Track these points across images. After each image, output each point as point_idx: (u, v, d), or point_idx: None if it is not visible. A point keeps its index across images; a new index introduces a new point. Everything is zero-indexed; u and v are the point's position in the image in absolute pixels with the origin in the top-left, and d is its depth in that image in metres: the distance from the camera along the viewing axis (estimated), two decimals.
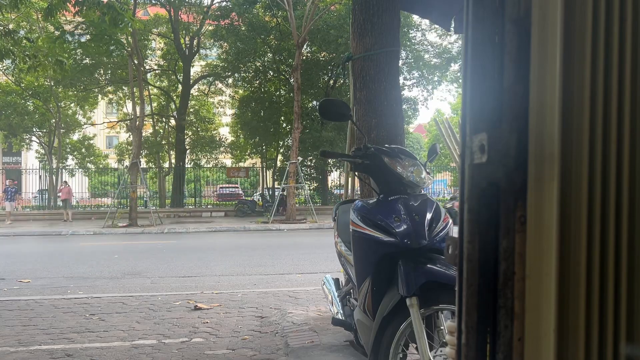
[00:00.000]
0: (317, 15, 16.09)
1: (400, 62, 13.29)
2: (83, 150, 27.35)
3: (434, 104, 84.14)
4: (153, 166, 26.33)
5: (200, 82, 24.75)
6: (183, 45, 22.04)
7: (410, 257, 2.08)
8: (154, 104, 25.00)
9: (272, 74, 21.81)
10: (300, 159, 17.81)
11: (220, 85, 23.99)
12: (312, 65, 20.04)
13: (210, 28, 21.25)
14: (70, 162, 27.57)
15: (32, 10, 17.13)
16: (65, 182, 20.36)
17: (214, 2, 21.63)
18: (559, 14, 0.71)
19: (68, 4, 7.52)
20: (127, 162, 23.75)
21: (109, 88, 23.34)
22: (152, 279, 6.14)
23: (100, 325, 3.93)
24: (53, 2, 7.42)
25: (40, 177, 23.86)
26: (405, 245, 2.08)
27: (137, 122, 15.88)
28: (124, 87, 22.75)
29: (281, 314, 4.14)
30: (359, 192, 4.04)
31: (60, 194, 18.88)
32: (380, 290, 2.17)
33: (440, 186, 25.54)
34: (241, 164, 26.83)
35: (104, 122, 28.87)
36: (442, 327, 2.09)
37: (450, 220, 2.24)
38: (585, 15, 0.71)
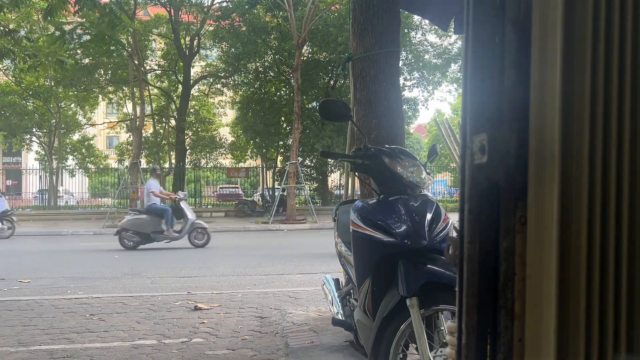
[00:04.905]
0: (317, 16, 16.09)
1: (401, 62, 13.29)
2: (83, 150, 27.36)
3: (434, 105, 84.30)
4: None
5: (200, 82, 24.75)
6: (183, 46, 22.04)
7: (410, 258, 2.08)
8: (154, 105, 25.00)
9: (272, 74, 21.81)
10: (300, 159, 17.81)
11: (220, 85, 24.00)
12: (313, 66, 20.04)
13: (211, 29, 21.26)
14: (71, 162, 27.58)
15: (32, 10, 17.15)
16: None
17: (214, 3, 21.64)
18: (559, 14, 0.71)
19: (68, 5, 7.53)
20: (127, 163, 23.75)
21: (109, 88, 23.34)
22: (152, 279, 6.14)
23: (101, 326, 3.93)
24: (53, 2, 7.42)
25: (40, 177, 23.86)
26: (405, 246, 2.08)
27: (137, 123, 15.90)
28: (124, 88, 22.75)
29: (281, 314, 4.14)
30: (359, 193, 4.04)
31: (139, 194, 17.68)
32: (380, 290, 2.17)
33: (441, 186, 25.53)
34: (241, 164, 26.85)
35: (104, 123, 28.89)
36: (442, 328, 2.09)
37: (451, 221, 2.24)
38: (586, 16, 0.71)
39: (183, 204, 9.68)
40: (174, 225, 9.53)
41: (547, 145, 0.72)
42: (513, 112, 0.74)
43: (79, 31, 14.32)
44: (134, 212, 9.67)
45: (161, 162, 26.49)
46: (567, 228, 0.71)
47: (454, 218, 1.69)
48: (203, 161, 25.95)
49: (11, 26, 12.32)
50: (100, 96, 24.21)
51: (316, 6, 15.63)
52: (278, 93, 22.44)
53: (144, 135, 21.41)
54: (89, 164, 27.26)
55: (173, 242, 9.58)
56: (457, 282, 0.82)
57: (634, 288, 0.70)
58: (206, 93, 25.66)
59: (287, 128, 21.50)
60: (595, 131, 0.71)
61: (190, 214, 9.59)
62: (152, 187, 9.63)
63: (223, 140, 25.64)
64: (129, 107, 22.34)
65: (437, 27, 13.60)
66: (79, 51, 17.42)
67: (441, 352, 2.03)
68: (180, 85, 23.26)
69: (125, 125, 24.47)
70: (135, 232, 9.29)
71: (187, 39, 22.27)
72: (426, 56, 21.26)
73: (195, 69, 24.81)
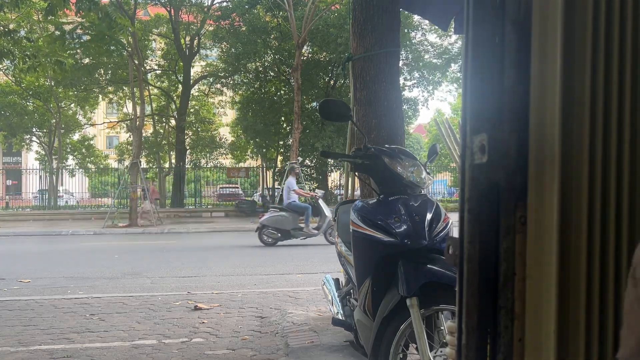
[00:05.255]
0: (317, 16, 16.10)
1: (401, 62, 13.27)
2: (83, 150, 27.37)
3: (434, 104, 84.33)
4: (153, 166, 26.35)
5: (200, 82, 24.76)
6: (183, 46, 22.04)
7: (410, 258, 2.08)
8: (154, 104, 25.01)
9: (272, 74, 21.82)
10: (300, 159, 17.79)
11: (220, 85, 24.02)
12: (313, 66, 20.04)
13: (211, 29, 21.26)
14: (71, 162, 27.59)
15: (32, 10, 17.15)
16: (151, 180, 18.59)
17: (214, 3, 21.64)
18: (560, 14, 0.71)
19: (70, 4, 7.55)
20: (127, 162, 23.75)
21: (109, 88, 23.34)
22: (152, 279, 6.14)
23: (101, 326, 3.93)
24: (54, 1, 7.44)
25: (40, 177, 23.85)
26: (405, 246, 2.08)
27: (137, 122, 15.88)
28: (124, 87, 22.75)
29: (281, 314, 4.14)
30: (359, 193, 4.04)
31: (150, 194, 16.67)
32: (380, 290, 2.17)
33: (441, 186, 25.53)
34: (241, 164, 26.86)
35: (104, 122, 28.90)
36: (442, 328, 2.09)
37: (451, 221, 2.24)
38: (586, 16, 0.71)
39: (321, 202, 9.90)
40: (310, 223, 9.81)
41: (547, 145, 0.72)
42: (513, 112, 0.74)
43: (79, 31, 14.33)
44: (274, 209, 9.86)
45: (161, 162, 26.50)
46: (567, 228, 0.71)
47: (454, 218, 1.70)
48: (203, 161, 25.95)
49: (11, 26, 12.32)
50: (100, 96, 24.21)
51: (316, 6, 15.63)
52: (278, 93, 22.44)
53: (144, 135, 21.38)
54: (89, 164, 27.26)
55: (308, 238, 9.80)
56: (457, 282, 0.82)
57: None
58: (206, 93, 25.67)
59: (287, 128, 21.50)
60: (595, 131, 0.71)
61: (328, 212, 9.78)
62: (293, 185, 10.02)
63: (223, 140, 25.65)
64: (129, 107, 22.29)
65: (437, 27, 13.62)
66: (78, 51, 17.41)
67: (441, 352, 2.03)
68: (180, 85, 23.26)
69: (125, 125, 24.45)
70: (276, 229, 9.54)
71: (187, 38, 22.27)
72: (426, 56, 21.26)
73: (195, 69, 24.82)
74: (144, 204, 15.97)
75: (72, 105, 24.67)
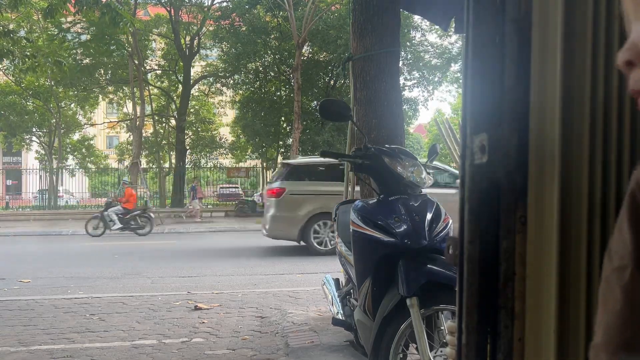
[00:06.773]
0: (317, 16, 16.10)
1: (401, 62, 13.27)
2: (83, 150, 27.38)
3: (434, 105, 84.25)
4: (153, 166, 26.35)
5: (200, 82, 24.78)
6: (183, 46, 22.04)
7: (410, 258, 2.08)
8: (154, 104, 25.01)
9: (272, 74, 21.81)
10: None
11: (220, 85, 24.04)
12: (313, 66, 20.03)
13: (211, 28, 21.27)
14: (71, 162, 27.60)
15: (32, 11, 17.17)
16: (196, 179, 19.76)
17: (214, 3, 21.64)
18: (560, 14, 0.71)
19: (68, 4, 7.53)
20: (127, 162, 23.76)
21: (109, 88, 23.35)
22: (152, 279, 6.14)
23: (101, 325, 3.93)
24: (53, 2, 7.43)
25: (40, 177, 23.85)
26: (405, 246, 2.08)
27: (137, 122, 15.89)
28: (124, 87, 22.75)
29: (281, 314, 4.14)
30: (359, 192, 4.04)
31: (198, 193, 18.29)
32: (380, 290, 2.17)
33: None
34: (241, 164, 26.86)
35: (104, 122, 28.91)
36: (442, 327, 2.09)
37: (451, 221, 2.24)
38: (586, 16, 0.71)
39: None
40: None
41: (547, 145, 0.72)
42: (513, 112, 0.74)
43: (78, 30, 14.33)
44: None
45: (161, 162, 26.50)
46: (567, 228, 0.71)
47: (454, 218, 1.70)
48: (203, 161, 25.95)
49: (11, 26, 12.31)
50: (100, 96, 24.21)
51: (316, 6, 15.64)
52: (278, 93, 22.44)
53: (144, 135, 21.41)
54: (89, 164, 27.25)
55: None
56: (457, 282, 0.82)
57: None
58: (206, 93, 25.68)
59: (287, 128, 21.51)
60: (595, 131, 0.71)
61: None
62: None
63: (223, 140, 25.67)
64: (129, 107, 22.33)
65: (437, 27, 13.61)
66: (78, 51, 17.41)
67: (441, 351, 2.03)
68: (180, 85, 23.26)
69: (125, 125, 24.47)
70: None
71: (187, 38, 22.27)
72: (426, 56, 21.25)
73: (195, 69, 24.82)
74: (192, 203, 17.61)
75: (72, 105, 24.67)
